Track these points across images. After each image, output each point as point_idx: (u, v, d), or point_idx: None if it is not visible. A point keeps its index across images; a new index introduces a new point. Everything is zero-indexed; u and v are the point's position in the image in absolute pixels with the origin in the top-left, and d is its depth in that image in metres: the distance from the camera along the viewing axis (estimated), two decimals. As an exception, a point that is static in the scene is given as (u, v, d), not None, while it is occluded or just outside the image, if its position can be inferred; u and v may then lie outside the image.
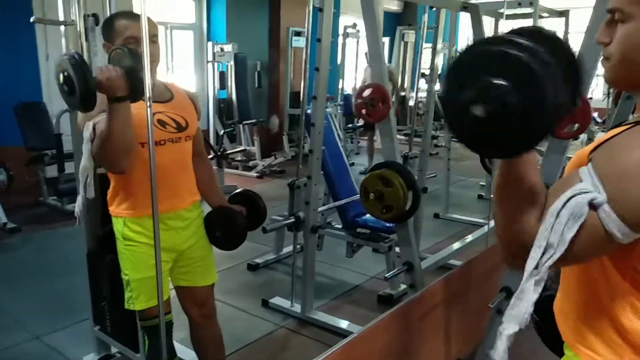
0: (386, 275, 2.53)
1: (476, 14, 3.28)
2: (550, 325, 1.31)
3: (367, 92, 2.32)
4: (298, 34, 7.60)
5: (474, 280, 2.63)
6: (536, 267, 0.80)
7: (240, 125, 6.82)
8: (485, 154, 0.83)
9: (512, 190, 0.86)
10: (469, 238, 3.36)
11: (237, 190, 2.19)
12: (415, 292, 2.50)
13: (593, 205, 0.77)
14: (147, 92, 1.33)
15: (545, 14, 4.48)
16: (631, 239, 0.78)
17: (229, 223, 1.99)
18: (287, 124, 7.59)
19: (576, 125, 1.88)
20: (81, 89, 1.45)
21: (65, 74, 1.47)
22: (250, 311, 3.13)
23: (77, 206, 1.91)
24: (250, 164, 6.87)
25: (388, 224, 3.22)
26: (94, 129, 1.64)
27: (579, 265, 0.95)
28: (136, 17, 1.64)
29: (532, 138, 0.76)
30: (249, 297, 3.30)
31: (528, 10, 3.95)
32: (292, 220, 2.79)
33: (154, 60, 1.72)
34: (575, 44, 1.12)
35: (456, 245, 3.19)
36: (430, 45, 4.15)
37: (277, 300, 3.18)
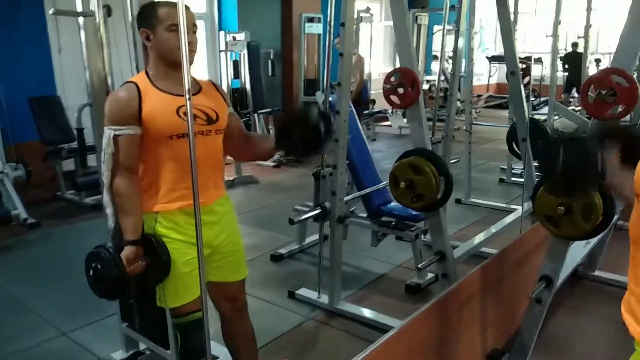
0: (419, 265, 2.45)
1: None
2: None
3: (394, 77, 2.23)
4: (311, 20, 7.49)
5: (508, 269, 2.56)
6: None
7: (255, 115, 6.75)
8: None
9: None
10: (499, 225, 3.27)
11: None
12: (448, 282, 2.43)
13: None
14: (186, 85, 1.27)
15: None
16: None
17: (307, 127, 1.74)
18: (302, 112, 7.51)
19: (620, 106, 1.78)
20: (108, 283, 1.68)
21: (95, 266, 1.70)
22: (277, 303, 3.09)
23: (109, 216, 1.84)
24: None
25: (414, 212, 3.14)
26: (114, 140, 1.66)
27: None
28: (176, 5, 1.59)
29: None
30: (275, 289, 3.26)
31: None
32: (318, 211, 2.73)
33: (193, 50, 1.68)
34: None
35: (486, 233, 3.11)
36: (441, 27, 4.03)
37: (303, 292, 3.14)
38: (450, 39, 4.03)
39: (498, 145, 7.43)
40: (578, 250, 2.82)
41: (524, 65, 4.79)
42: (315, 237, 3.94)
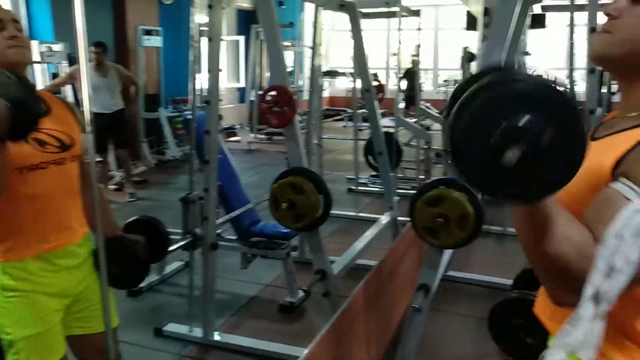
0: (304, 287, 2.40)
1: (353, 13, 3.29)
2: (507, 331, 1.31)
3: (271, 95, 2.16)
4: (149, 32, 7.07)
5: (385, 279, 2.64)
6: (596, 296, 0.73)
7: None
8: (521, 200, 0.73)
9: (545, 230, 0.79)
10: (368, 235, 3.37)
11: (134, 217, 1.90)
12: (330, 301, 2.42)
13: None
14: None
15: (404, 13, 4.69)
16: None
17: (128, 256, 1.70)
18: (144, 129, 7.04)
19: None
20: None
21: None
22: (143, 344, 2.79)
23: None
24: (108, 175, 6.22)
25: (284, 230, 3.10)
26: None
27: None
28: None
29: (574, 168, 0.69)
30: (138, 328, 2.94)
31: (394, 9, 4.10)
32: (189, 239, 2.53)
33: (23, 46, 1.46)
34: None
35: (359, 245, 3.18)
36: (287, 42, 4.10)
37: (172, 327, 2.88)
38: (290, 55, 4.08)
39: (338, 156, 7.80)
40: (445, 255, 3.03)
41: (377, 83, 5.07)
42: (175, 265, 3.69)
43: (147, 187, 6.10)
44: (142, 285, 3.38)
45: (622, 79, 0.91)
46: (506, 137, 0.63)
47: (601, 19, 0.90)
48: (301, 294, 3.25)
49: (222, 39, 2.42)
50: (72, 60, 6.08)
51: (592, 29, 2.54)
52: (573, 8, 3.78)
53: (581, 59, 3.83)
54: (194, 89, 2.67)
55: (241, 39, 9.63)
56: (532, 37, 5.69)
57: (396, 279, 2.81)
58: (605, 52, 0.88)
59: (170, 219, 2.93)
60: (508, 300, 1.97)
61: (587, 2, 2.78)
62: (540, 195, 0.71)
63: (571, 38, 4.08)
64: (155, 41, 7.25)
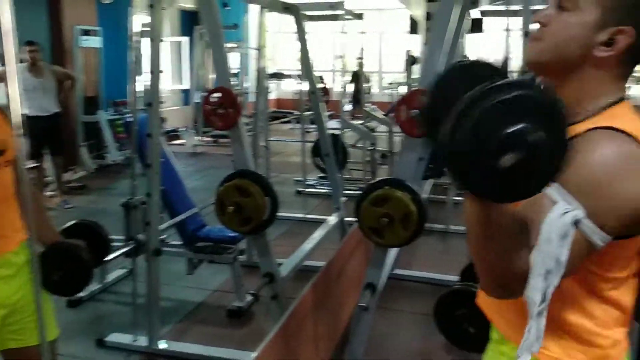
0: (251, 292, 2.38)
1: (298, 16, 3.29)
2: (452, 322, 1.35)
3: (215, 97, 2.13)
4: (87, 32, 6.82)
5: (332, 279, 2.66)
6: (543, 298, 0.78)
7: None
8: (509, 199, 0.78)
9: (501, 230, 0.82)
10: (317, 237, 3.38)
11: (72, 222, 1.83)
12: (278, 304, 2.41)
13: (575, 222, 0.77)
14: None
15: (348, 16, 4.74)
16: (606, 243, 0.81)
17: (72, 261, 1.64)
18: (83, 133, 6.77)
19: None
20: None
21: None
22: (85, 356, 2.68)
23: None
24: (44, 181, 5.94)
25: (231, 234, 3.07)
26: None
27: None
28: None
29: (559, 169, 0.73)
30: (79, 339, 2.82)
31: (338, 12, 4.14)
32: (132, 245, 2.45)
33: None
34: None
35: (307, 246, 3.18)
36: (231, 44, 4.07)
37: (115, 337, 2.78)
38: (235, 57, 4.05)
39: (286, 158, 7.79)
40: (391, 254, 3.08)
41: (323, 85, 5.09)
42: (118, 273, 3.57)
43: (86, 193, 5.88)
44: (82, 294, 3.25)
45: (553, 81, 0.95)
46: (504, 144, 0.68)
47: (535, 24, 0.95)
48: (249, 298, 3.22)
49: (163, 40, 2.36)
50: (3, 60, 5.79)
51: (526, 34, 2.66)
52: (508, 13, 3.96)
53: (517, 62, 4.00)
54: (135, 90, 2.59)
55: (185, 40, 9.45)
56: (471, 42, 5.88)
57: (344, 279, 2.84)
58: (538, 59, 0.92)
59: (111, 226, 2.83)
60: (451, 292, 2.03)
61: (522, 8, 2.91)
62: (527, 193, 0.75)
63: (507, 42, 4.27)
64: (94, 42, 7.00)
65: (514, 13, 3.51)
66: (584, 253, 0.81)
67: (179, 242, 3.23)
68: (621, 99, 0.90)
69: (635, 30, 0.85)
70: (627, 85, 0.95)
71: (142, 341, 2.70)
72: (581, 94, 0.90)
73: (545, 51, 0.90)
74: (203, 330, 2.99)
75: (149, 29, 2.24)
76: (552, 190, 0.80)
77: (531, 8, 2.77)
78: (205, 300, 3.35)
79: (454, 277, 3.51)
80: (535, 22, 0.92)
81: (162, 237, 3.32)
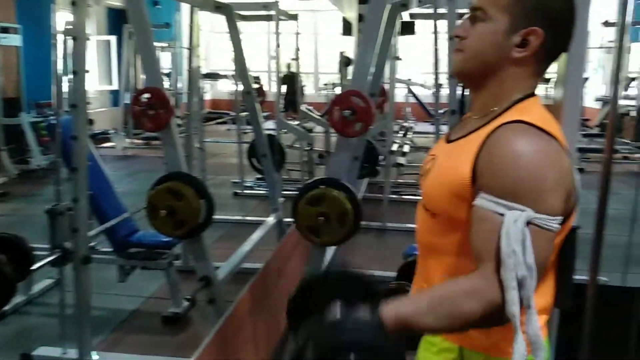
0: (187, 297, 2.33)
1: (230, 15, 3.25)
2: None
3: (145, 97, 2.06)
4: (5, 30, 6.43)
5: (271, 280, 2.64)
6: (521, 304, 0.82)
7: None
8: None
9: (437, 322, 0.87)
10: (255, 238, 3.35)
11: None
12: (216, 308, 2.37)
13: (527, 222, 0.83)
14: None
15: (282, 17, 4.74)
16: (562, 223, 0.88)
17: None
18: (4, 137, 6.38)
19: (360, 124, 2.01)
20: None
21: None
22: (8, 373, 2.53)
23: None
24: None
25: (165, 239, 2.99)
26: None
27: (452, 262, 1.01)
28: None
29: None
30: (4, 355, 2.66)
31: (272, 12, 4.12)
32: (58, 253, 2.33)
33: None
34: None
35: (245, 248, 3.15)
36: (162, 44, 3.98)
37: (43, 351, 2.64)
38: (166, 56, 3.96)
39: (223, 160, 7.68)
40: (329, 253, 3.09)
41: (257, 85, 5.04)
42: (44, 283, 3.38)
43: (8, 200, 5.54)
44: (6, 308, 3.06)
45: (473, 88, 1.03)
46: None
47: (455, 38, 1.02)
48: (186, 303, 3.15)
49: (89, 39, 2.26)
50: None
51: (452, 37, 2.76)
52: (436, 17, 4.09)
53: (445, 64, 4.15)
54: (58, 91, 2.47)
55: (112, 39, 9.10)
56: (403, 43, 6.04)
57: (283, 279, 2.84)
58: (461, 69, 1.00)
59: (36, 234, 2.70)
60: (385, 291, 2.07)
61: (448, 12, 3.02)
62: None
63: (436, 44, 4.42)
64: (14, 40, 6.60)
65: (441, 16, 3.64)
66: (552, 244, 0.88)
67: (109, 249, 3.10)
68: (531, 94, 0.98)
69: (543, 29, 0.92)
70: (550, 86, 1.02)
71: (72, 354, 2.57)
72: (499, 93, 0.98)
73: (467, 60, 0.98)
74: (138, 339, 2.90)
75: (72, 27, 2.14)
76: (492, 206, 0.86)
77: (457, 11, 2.88)
78: (139, 308, 3.25)
79: (392, 273, 3.59)
80: (455, 36, 1.00)
81: (92, 244, 3.19)
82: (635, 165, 7.20)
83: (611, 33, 9.71)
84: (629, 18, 1.36)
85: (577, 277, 1.09)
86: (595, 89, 10.62)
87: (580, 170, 0.99)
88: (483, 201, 0.88)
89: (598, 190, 1.52)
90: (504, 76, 0.96)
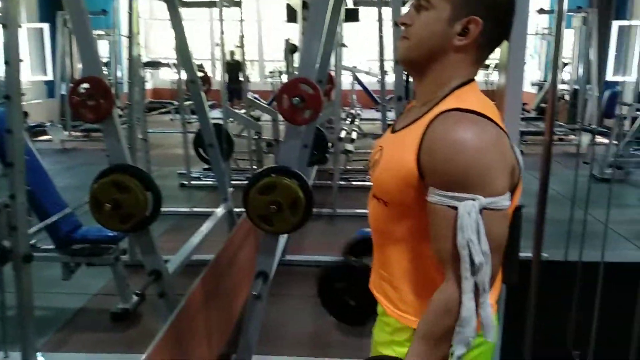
0: (137, 291, 2.27)
1: (171, 1, 3.15)
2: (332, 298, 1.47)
3: (83, 87, 1.98)
4: None
5: (223, 271, 2.62)
6: (477, 289, 0.88)
7: None
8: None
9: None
10: (204, 230, 3.29)
11: None
12: (167, 301, 2.32)
13: (480, 210, 0.87)
14: None
15: (225, 3, 4.65)
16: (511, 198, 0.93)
17: None
18: None
19: (309, 111, 2.01)
20: None
21: None
22: (-56, 381, 2.39)
23: None
24: None
25: (110, 233, 2.90)
26: None
27: (408, 247, 1.04)
28: None
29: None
30: (-63, 364, 2.51)
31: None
32: (-5, 253, 2.22)
33: None
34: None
35: (195, 240, 3.08)
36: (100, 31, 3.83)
37: (-18, 356, 2.51)
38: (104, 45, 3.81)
39: (167, 151, 7.49)
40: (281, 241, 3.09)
41: (202, 74, 4.92)
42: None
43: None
44: (-63, 313, 2.89)
45: (417, 76, 1.05)
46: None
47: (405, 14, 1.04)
48: (135, 298, 3.07)
49: (21, 26, 2.14)
50: None
51: (396, 23, 2.79)
52: (380, 4, 4.13)
53: (390, 51, 4.19)
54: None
55: (45, 26, 8.64)
56: (348, 31, 6.07)
57: (235, 270, 2.81)
58: (406, 56, 1.02)
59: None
60: (331, 267, 2.09)
61: (391, -1, 3.05)
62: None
63: (380, 31, 4.46)
64: None
65: (385, 3, 3.67)
66: (507, 220, 0.93)
67: (52, 247, 2.98)
68: (469, 81, 1.01)
69: (482, 18, 0.96)
70: (489, 72, 1.06)
71: (15, 357, 2.46)
72: (440, 80, 1.01)
73: (412, 48, 1.00)
74: (85, 337, 2.81)
75: (1, 14, 2.01)
76: (444, 201, 0.89)
77: (401, -1, 2.91)
78: (85, 306, 3.15)
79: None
80: (400, 23, 1.02)
81: (32, 241, 3.05)
82: (570, 146, 7.58)
83: (545, 20, 10.15)
84: (565, 6, 1.42)
85: (521, 254, 1.14)
86: (530, 74, 11.08)
87: (521, 153, 1.04)
88: (434, 197, 0.91)
89: (539, 171, 1.58)
90: (446, 63, 0.99)
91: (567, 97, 8.94)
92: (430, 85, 1.01)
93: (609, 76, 8.62)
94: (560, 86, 9.00)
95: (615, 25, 8.42)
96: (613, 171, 5.34)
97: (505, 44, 1.23)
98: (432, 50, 0.98)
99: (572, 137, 8.18)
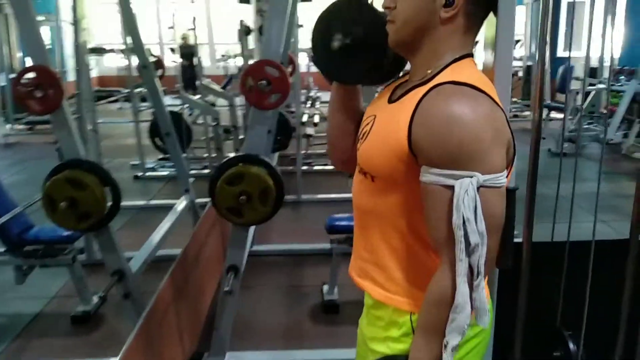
0: (100, 295, 2.13)
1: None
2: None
3: (29, 77, 1.81)
4: None
5: (190, 266, 2.51)
6: (471, 271, 0.84)
7: None
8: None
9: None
10: (167, 223, 3.14)
11: None
12: (132, 302, 2.20)
13: (478, 188, 0.83)
14: None
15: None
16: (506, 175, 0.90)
17: None
18: None
19: (276, 95, 1.91)
20: None
21: None
22: None
23: None
24: None
25: (65, 233, 2.74)
26: None
27: (393, 225, 1.00)
28: None
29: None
30: None
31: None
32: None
33: None
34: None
35: (158, 235, 2.93)
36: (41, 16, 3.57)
37: None
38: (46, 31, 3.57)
39: (117, 141, 7.18)
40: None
41: (155, 59, 4.68)
42: None
43: None
44: None
45: (410, 55, 1.01)
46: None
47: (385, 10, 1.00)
48: (96, 300, 2.92)
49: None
50: None
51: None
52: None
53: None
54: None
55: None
56: (302, 11, 5.92)
57: (202, 263, 2.71)
58: (396, 38, 0.98)
59: None
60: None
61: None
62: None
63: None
64: None
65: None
66: (504, 198, 0.89)
67: (1, 249, 2.78)
68: (466, 55, 0.97)
69: None
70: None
71: (-32, 371, 2.30)
72: (434, 55, 0.97)
73: (399, 30, 0.97)
74: (46, 343, 2.64)
75: None
76: (440, 180, 0.85)
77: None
78: (43, 310, 2.96)
79: (310, 245, 3.58)
80: (384, 7, 0.99)
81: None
82: (526, 122, 7.75)
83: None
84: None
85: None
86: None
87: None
88: (429, 176, 0.87)
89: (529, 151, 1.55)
90: (436, 38, 0.95)
91: (520, 74, 9.13)
92: (424, 62, 0.97)
93: (560, 52, 8.83)
94: (515, 63, 9.18)
95: (565, 1, 8.61)
96: (569, 145, 5.48)
97: (492, 20, 1.18)
98: (420, 27, 0.95)
99: (527, 113, 8.37)
